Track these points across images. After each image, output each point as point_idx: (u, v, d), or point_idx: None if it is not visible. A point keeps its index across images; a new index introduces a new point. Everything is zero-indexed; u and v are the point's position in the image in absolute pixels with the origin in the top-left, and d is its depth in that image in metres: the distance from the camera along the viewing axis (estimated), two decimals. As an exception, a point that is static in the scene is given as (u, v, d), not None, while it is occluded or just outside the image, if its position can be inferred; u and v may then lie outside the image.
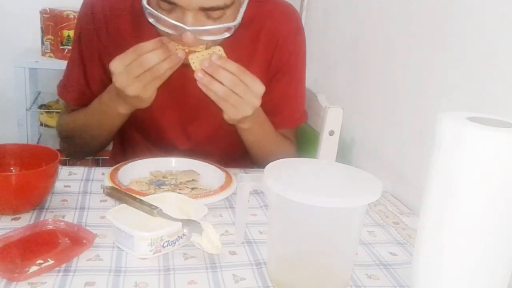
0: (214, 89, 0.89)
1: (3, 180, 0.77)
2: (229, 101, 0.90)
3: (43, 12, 2.01)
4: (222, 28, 0.90)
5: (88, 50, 1.09)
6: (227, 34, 0.92)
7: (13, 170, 0.87)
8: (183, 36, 0.88)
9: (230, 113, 0.93)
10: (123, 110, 0.99)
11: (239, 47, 1.04)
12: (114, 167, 0.97)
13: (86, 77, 1.10)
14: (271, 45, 1.08)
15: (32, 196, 0.80)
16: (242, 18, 0.94)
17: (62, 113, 1.21)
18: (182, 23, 0.87)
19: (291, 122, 1.16)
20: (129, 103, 0.96)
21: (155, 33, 0.95)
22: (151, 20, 0.91)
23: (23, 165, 0.87)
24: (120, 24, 1.05)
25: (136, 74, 0.88)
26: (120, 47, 0.93)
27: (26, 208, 0.80)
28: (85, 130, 1.10)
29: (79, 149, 1.20)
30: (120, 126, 1.07)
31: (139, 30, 1.04)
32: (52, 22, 2.00)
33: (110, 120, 1.05)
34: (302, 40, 1.13)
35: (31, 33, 2.10)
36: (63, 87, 1.14)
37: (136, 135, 1.18)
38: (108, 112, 1.02)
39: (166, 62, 0.89)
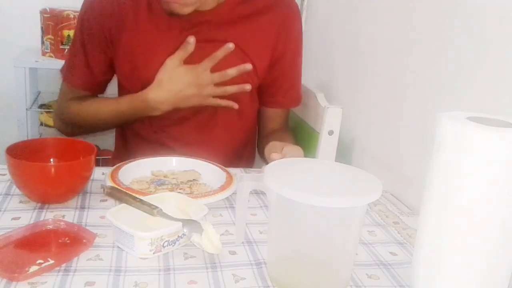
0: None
1: (42, 169, 0.83)
2: None
3: (43, 12, 2.01)
4: None
5: (89, 36, 1.12)
6: None
7: (52, 162, 0.91)
8: None
9: None
10: (157, 113, 1.08)
11: (260, 33, 1.13)
12: (115, 166, 0.97)
13: (88, 63, 1.13)
14: (276, 29, 1.14)
15: (72, 185, 0.86)
16: (261, 4, 1.10)
17: (66, 100, 1.19)
18: None
19: (298, 100, 1.26)
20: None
21: (162, 17, 1.04)
22: None
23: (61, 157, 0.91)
24: (124, 9, 1.09)
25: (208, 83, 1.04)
26: (123, 31, 1.06)
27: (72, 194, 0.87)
28: (98, 120, 1.15)
29: (82, 131, 1.22)
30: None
31: (144, 14, 1.08)
32: (52, 22, 1.99)
33: (130, 117, 1.13)
34: (301, 23, 1.23)
35: (31, 33, 2.10)
36: (68, 70, 1.17)
37: (138, 132, 1.19)
38: (133, 115, 1.11)
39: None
